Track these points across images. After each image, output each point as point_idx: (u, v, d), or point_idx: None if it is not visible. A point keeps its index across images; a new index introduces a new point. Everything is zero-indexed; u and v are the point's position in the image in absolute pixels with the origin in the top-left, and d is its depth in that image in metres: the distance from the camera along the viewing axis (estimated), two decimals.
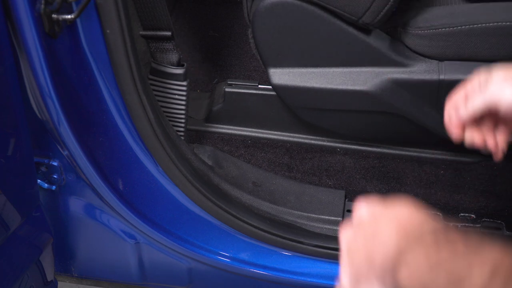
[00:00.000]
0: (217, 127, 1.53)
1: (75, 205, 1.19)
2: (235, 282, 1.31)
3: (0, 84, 0.85)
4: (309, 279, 1.25)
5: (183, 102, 1.26)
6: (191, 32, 1.86)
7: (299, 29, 1.25)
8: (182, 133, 1.33)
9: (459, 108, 0.78)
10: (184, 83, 1.25)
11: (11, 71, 0.85)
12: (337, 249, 1.20)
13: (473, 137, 0.82)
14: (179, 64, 1.24)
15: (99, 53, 0.95)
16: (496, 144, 0.83)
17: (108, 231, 1.23)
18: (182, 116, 1.27)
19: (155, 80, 1.26)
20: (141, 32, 1.22)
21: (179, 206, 1.20)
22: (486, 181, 1.39)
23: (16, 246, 1.04)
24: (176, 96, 1.25)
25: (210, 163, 1.31)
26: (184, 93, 1.25)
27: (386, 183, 1.42)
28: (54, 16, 0.84)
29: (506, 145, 0.83)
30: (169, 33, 1.17)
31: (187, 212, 1.21)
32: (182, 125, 1.29)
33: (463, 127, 0.80)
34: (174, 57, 1.21)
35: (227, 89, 1.47)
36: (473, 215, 1.28)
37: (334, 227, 1.26)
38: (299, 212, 1.29)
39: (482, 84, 0.75)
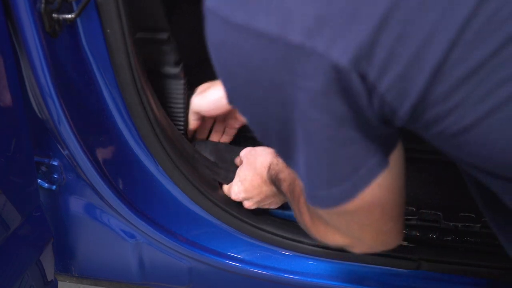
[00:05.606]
0: None
1: (76, 204, 1.19)
2: (235, 282, 1.31)
3: (0, 83, 0.85)
4: (309, 279, 1.25)
5: (182, 101, 1.26)
6: (191, 32, 1.86)
7: None
8: (182, 133, 1.32)
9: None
10: (181, 81, 1.25)
11: (12, 71, 0.85)
12: (337, 249, 1.20)
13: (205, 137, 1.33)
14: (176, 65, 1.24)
15: (100, 52, 0.95)
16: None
17: (108, 230, 1.23)
18: (181, 115, 1.27)
19: (153, 81, 1.26)
20: (137, 35, 1.21)
21: (179, 205, 1.20)
22: None
23: (17, 246, 1.04)
24: (174, 95, 1.25)
25: (212, 158, 1.31)
26: (181, 91, 1.25)
27: None
28: (54, 15, 0.84)
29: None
30: (165, 36, 1.17)
31: (187, 212, 1.21)
32: (182, 124, 1.29)
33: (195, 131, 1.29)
34: (171, 59, 1.21)
35: None
36: (473, 215, 1.28)
37: None
38: None
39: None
